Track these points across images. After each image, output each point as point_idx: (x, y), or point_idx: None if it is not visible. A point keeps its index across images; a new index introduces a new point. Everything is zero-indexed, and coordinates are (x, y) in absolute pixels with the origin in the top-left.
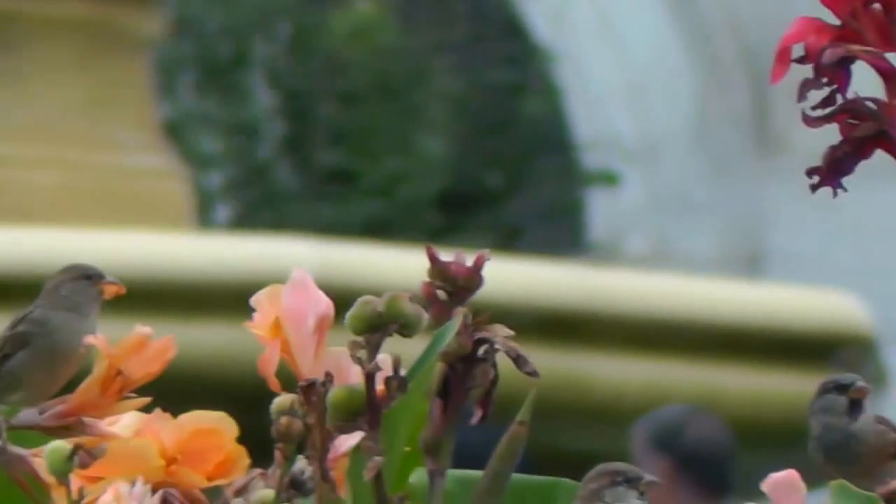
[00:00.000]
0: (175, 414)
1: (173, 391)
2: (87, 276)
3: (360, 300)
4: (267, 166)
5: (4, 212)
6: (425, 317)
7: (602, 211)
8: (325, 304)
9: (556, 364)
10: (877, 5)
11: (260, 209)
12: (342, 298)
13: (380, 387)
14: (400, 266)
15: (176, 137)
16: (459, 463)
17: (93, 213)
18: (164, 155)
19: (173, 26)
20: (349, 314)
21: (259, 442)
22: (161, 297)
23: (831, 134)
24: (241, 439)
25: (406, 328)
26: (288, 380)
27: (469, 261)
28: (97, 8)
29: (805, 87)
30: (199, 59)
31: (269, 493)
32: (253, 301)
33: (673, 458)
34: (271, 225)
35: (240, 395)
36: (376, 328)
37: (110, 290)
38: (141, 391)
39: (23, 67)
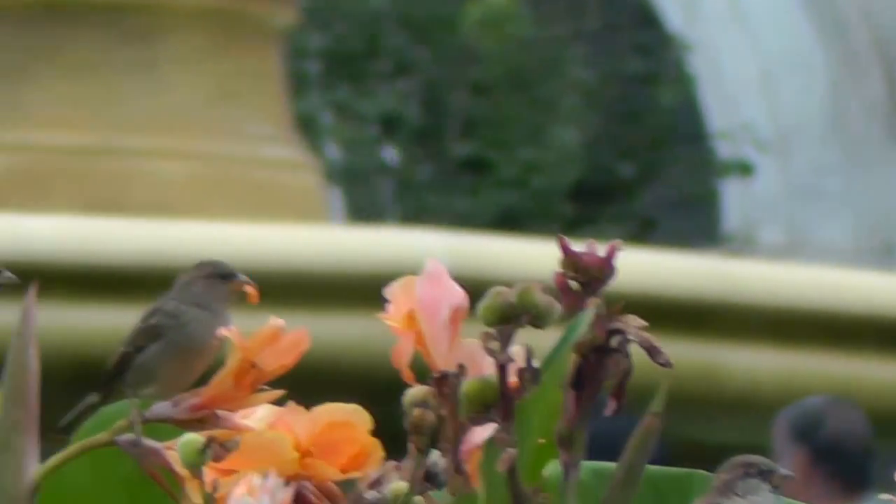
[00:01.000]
0: (308, 406)
1: (307, 383)
2: (219, 275)
3: (492, 291)
4: (403, 156)
5: (137, 203)
6: (557, 308)
7: (736, 201)
8: (459, 296)
9: (689, 355)
10: None
11: (396, 200)
12: (475, 289)
13: (513, 378)
14: (532, 257)
15: (307, 128)
16: (593, 454)
17: (225, 204)
18: (296, 146)
19: (305, 16)
20: (482, 305)
21: (393, 434)
22: (294, 289)
23: None
24: (375, 431)
25: (538, 319)
26: (421, 371)
27: (601, 251)
28: None
29: None
30: (331, 49)
31: (403, 485)
32: (387, 292)
33: (810, 449)
34: (406, 216)
35: (373, 387)
36: (509, 319)
37: (242, 289)
38: (274, 384)
39: (156, 58)
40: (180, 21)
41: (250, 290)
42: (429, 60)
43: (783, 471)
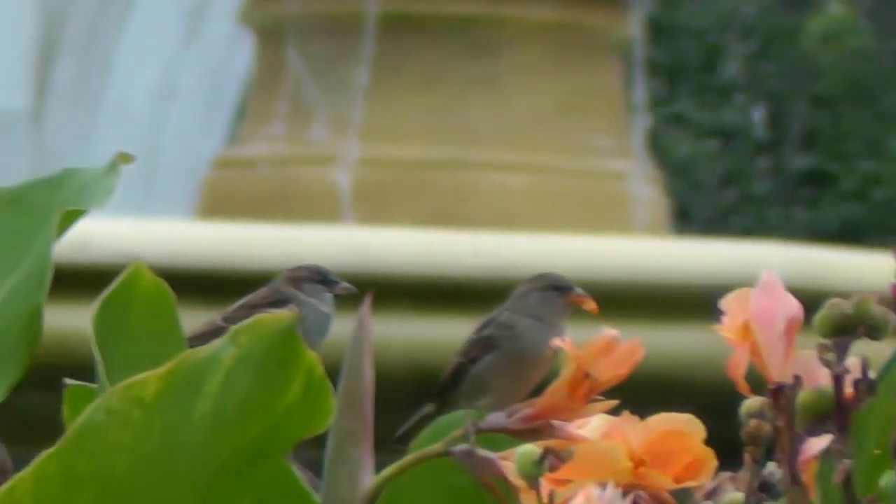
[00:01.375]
0: (643, 416)
1: (641, 393)
2: (556, 288)
3: (828, 303)
4: (743, 170)
5: (478, 216)
6: (893, 319)
7: None
8: (794, 307)
9: None
10: None
11: (736, 213)
12: (811, 301)
13: (848, 389)
14: (870, 269)
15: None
16: None
17: (566, 216)
18: (638, 158)
19: (646, 29)
20: (817, 316)
21: (726, 444)
22: (630, 301)
23: None
24: (708, 441)
25: (874, 330)
26: (756, 382)
27: None
28: (572, 11)
29: None
30: (671, 62)
31: (739, 496)
32: (722, 304)
33: None
34: (746, 229)
35: (707, 397)
36: (844, 331)
37: (578, 302)
38: (608, 394)
39: (500, 71)
40: (524, 34)
41: (588, 302)
42: (770, 73)
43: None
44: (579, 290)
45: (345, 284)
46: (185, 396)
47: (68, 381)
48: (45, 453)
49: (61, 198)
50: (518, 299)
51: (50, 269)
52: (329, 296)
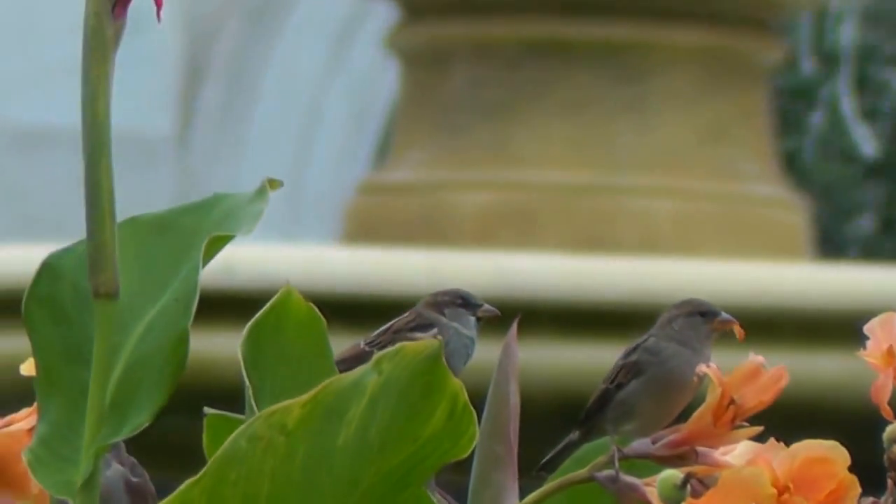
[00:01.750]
0: (788, 442)
1: (786, 419)
2: (701, 313)
3: None
4: (887, 195)
5: (623, 241)
6: None
7: None
8: None
9: None
10: None
11: (881, 238)
12: None
13: None
14: None
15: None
16: None
17: (712, 242)
18: (782, 184)
19: (793, 54)
20: None
21: (871, 470)
22: (775, 326)
23: None
24: (853, 467)
25: None
26: None
27: None
28: (720, 36)
29: None
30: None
31: None
32: (866, 329)
33: None
34: (892, 254)
35: (852, 423)
36: None
37: (724, 328)
38: (753, 420)
39: (647, 96)
40: (672, 59)
41: (734, 326)
42: None
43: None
44: (725, 315)
45: (487, 306)
46: (328, 423)
47: (208, 409)
48: (189, 480)
49: (209, 223)
50: (664, 325)
51: (196, 296)
52: (472, 319)
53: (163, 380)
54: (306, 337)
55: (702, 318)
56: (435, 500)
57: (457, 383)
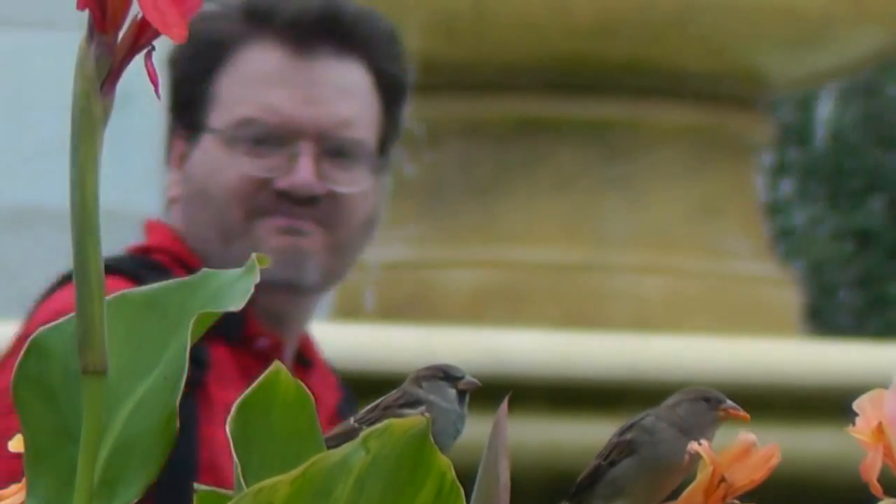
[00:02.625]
0: None
1: (775, 496)
2: (707, 399)
3: None
4: (878, 272)
5: (614, 319)
6: None
7: None
8: None
9: None
10: None
11: (870, 315)
12: None
13: None
14: None
15: (783, 241)
16: None
17: (702, 318)
18: (773, 261)
19: (782, 132)
20: None
21: None
22: (764, 403)
23: None
24: None
25: None
26: (890, 484)
27: None
28: (708, 115)
29: None
30: (806, 166)
31: None
32: (856, 405)
33: None
34: (880, 331)
35: (841, 500)
36: None
37: (730, 416)
38: (743, 498)
39: (636, 174)
40: (659, 137)
41: (740, 414)
42: None
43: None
44: (730, 403)
45: (469, 378)
46: (315, 502)
47: (198, 486)
48: None
49: (198, 300)
50: (668, 408)
51: (184, 374)
52: (452, 392)
53: (152, 457)
54: (295, 416)
55: (706, 404)
56: None
57: (445, 461)
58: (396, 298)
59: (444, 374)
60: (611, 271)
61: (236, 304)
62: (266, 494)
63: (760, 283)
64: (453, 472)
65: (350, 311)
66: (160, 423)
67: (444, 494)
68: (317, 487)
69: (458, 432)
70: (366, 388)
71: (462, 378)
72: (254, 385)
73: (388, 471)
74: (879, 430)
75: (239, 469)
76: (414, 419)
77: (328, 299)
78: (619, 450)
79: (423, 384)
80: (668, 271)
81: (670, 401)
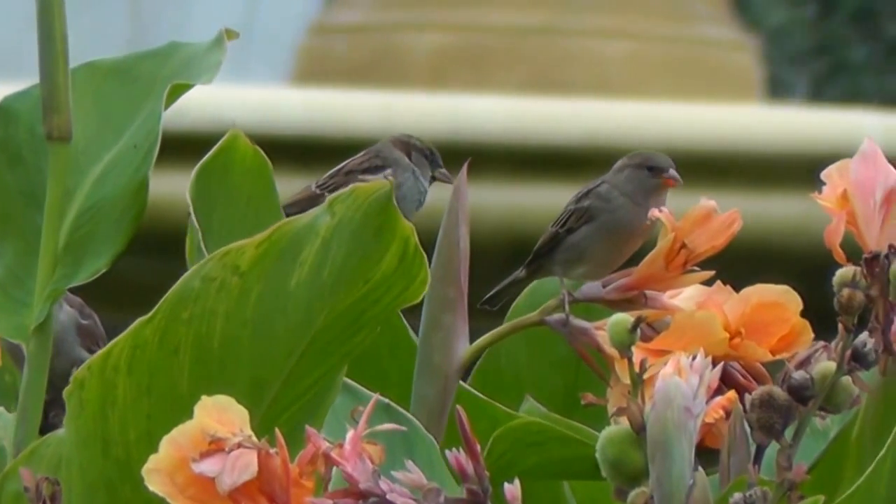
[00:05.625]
0: (738, 287)
1: (737, 264)
2: (650, 167)
3: None
4: (838, 37)
5: (576, 83)
6: None
7: None
8: (893, 177)
9: None
10: None
11: (831, 81)
12: None
13: None
14: None
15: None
16: None
17: (664, 83)
18: (734, 26)
19: None
20: None
21: (822, 314)
22: (728, 170)
23: None
24: (805, 312)
25: None
26: (853, 251)
27: None
28: None
29: None
30: None
31: (831, 365)
32: (823, 175)
33: None
34: (841, 96)
35: (804, 267)
36: None
37: (669, 186)
38: (704, 264)
39: None
40: None
41: (678, 183)
42: None
43: None
44: (673, 172)
45: (444, 171)
46: (281, 264)
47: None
48: (141, 319)
49: (167, 71)
50: (615, 173)
51: (158, 142)
52: (429, 173)
53: (122, 226)
54: (253, 179)
55: (649, 172)
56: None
57: (408, 226)
58: (359, 61)
59: (431, 155)
60: (573, 35)
61: (207, 77)
62: (232, 257)
63: (721, 48)
64: (416, 238)
65: (310, 76)
66: (129, 190)
67: (408, 258)
68: (283, 251)
69: (421, 204)
70: (326, 153)
71: (440, 167)
72: (212, 150)
73: (352, 234)
74: (844, 196)
75: (199, 234)
76: (378, 183)
77: (287, 63)
78: (577, 216)
79: (413, 155)
80: (630, 35)
81: (618, 164)
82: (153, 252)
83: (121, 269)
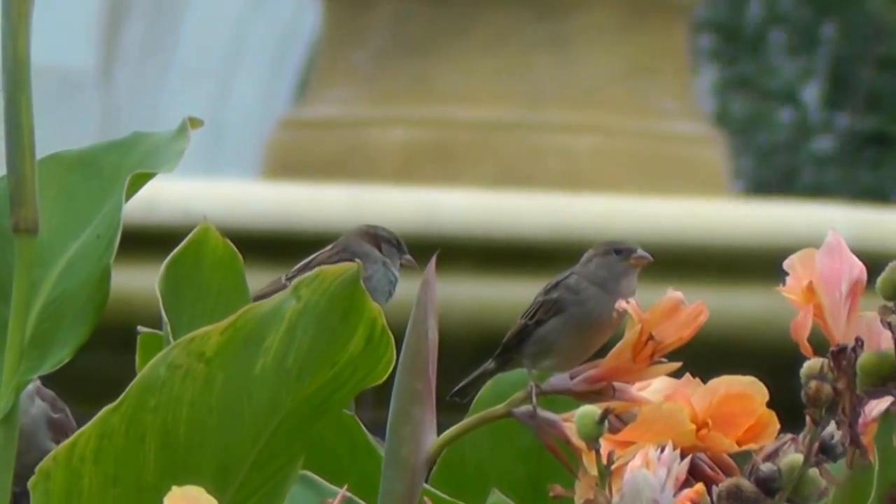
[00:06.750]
0: (705, 378)
1: (704, 355)
2: (616, 251)
3: (890, 265)
4: (805, 131)
5: (546, 177)
6: None
7: None
8: (859, 269)
9: None
10: None
11: (797, 174)
12: (873, 263)
13: None
14: None
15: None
16: None
17: (632, 177)
18: (702, 120)
19: None
20: (880, 279)
21: (789, 406)
22: (695, 263)
23: None
24: (771, 404)
25: None
26: (820, 343)
27: None
28: None
29: None
30: (728, 22)
31: (798, 457)
32: (786, 265)
33: None
34: (808, 190)
35: (770, 359)
36: None
37: (640, 264)
38: (671, 356)
39: (568, 33)
40: None
41: (648, 262)
42: (834, 35)
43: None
44: (641, 252)
45: (409, 257)
46: (246, 350)
47: (142, 328)
48: (108, 407)
49: (131, 161)
50: (583, 264)
51: (119, 232)
52: (398, 262)
53: (85, 316)
54: (223, 273)
55: (617, 255)
56: (361, 429)
57: (375, 307)
58: (327, 157)
59: (398, 244)
60: (542, 130)
61: (170, 166)
62: (198, 344)
63: (689, 142)
64: (384, 319)
65: (280, 170)
66: (92, 280)
67: (375, 340)
68: (248, 336)
69: (391, 294)
70: (297, 246)
71: (406, 254)
72: (182, 243)
73: (319, 317)
74: (810, 288)
75: (168, 327)
76: (345, 265)
77: (258, 158)
78: (546, 308)
79: (383, 247)
80: (598, 130)
81: (585, 256)
82: (131, 347)
83: (97, 364)
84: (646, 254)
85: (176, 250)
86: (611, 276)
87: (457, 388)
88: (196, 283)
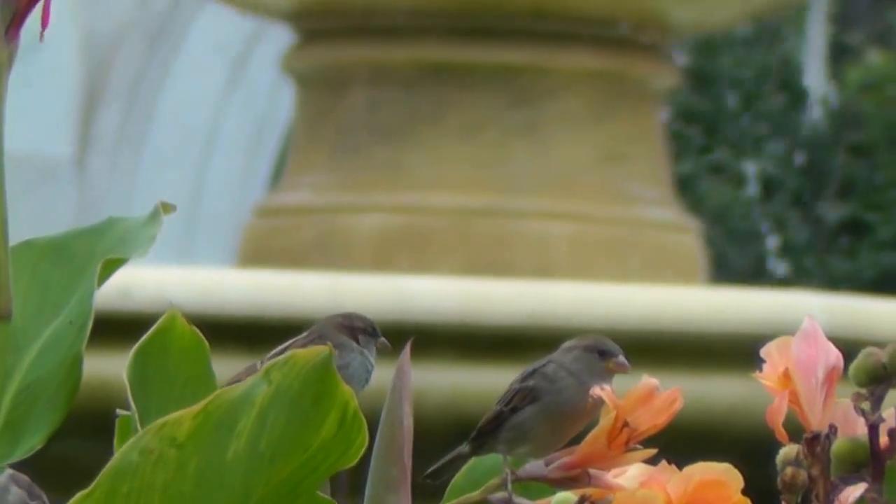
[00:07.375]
0: (681, 466)
1: (679, 442)
2: (600, 351)
3: (863, 352)
4: (778, 219)
5: (519, 265)
6: None
7: None
8: (835, 356)
9: None
10: None
11: (772, 261)
12: (848, 350)
13: (884, 439)
14: None
15: (686, 190)
16: None
17: (607, 265)
18: (677, 208)
19: (686, 77)
20: (853, 366)
21: (764, 492)
22: (670, 349)
23: None
24: (747, 490)
25: None
26: (794, 430)
27: None
28: (613, 60)
29: None
30: (709, 111)
31: None
32: (762, 352)
33: None
34: (784, 278)
35: (745, 445)
36: (880, 380)
37: (617, 371)
38: (647, 443)
39: (541, 120)
40: (565, 83)
41: (626, 369)
42: (807, 122)
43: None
44: (622, 359)
45: (383, 340)
46: (218, 435)
47: (120, 411)
48: (80, 493)
49: (103, 246)
50: (563, 353)
51: (91, 318)
52: (374, 348)
53: (57, 402)
54: (190, 361)
55: (599, 356)
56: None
57: (347, 391)
58: (302, 244)
59: (373, 330)
60: (516, 217)
61: (142, 251)
62: (169, 430)
63: (665, 230)
64: (356, 402)
65: (255, 257)
66: (63, 366)
67: (347, 423)
68: (220, 421)
69: (366, 382)
70: (272, 334)
71: (380, 338)
72: (150, 331)
73: (290, 401)
74: (786, 375)
75: (136, 415)
76: (317, 349)
77: (233, 245)
78: (522, 396)
79: (360, 337)
80: (573, 217)
81: (567, 345)
82: (107, 434)
83: (73, 451)
84: (626, 362)
85: (143, 339)
86: (587, 372)
87: (430, 469)
88: (163, 371)
